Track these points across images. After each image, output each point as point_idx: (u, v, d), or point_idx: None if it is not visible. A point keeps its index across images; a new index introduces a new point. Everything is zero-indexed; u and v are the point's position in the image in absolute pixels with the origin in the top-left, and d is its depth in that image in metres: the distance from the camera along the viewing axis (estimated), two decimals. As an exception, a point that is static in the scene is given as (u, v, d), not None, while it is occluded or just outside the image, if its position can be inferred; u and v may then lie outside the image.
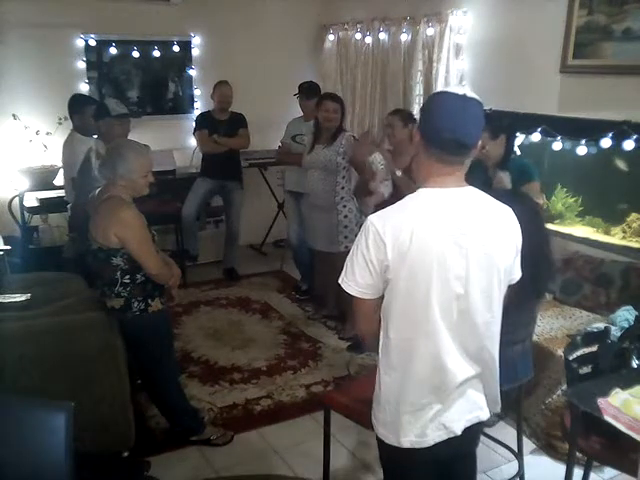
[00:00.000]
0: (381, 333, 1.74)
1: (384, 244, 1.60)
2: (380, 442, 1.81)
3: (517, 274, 1.79)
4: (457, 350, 1.68)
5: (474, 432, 1.84)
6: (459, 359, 1.68)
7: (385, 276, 1.64)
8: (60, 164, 4.89)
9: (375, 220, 1.63)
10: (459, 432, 1.74)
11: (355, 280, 1.68)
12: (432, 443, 1.72)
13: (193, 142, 5.44)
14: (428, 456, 1.75)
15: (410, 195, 1.68)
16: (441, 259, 1.60)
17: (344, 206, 4.10)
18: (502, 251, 1.68)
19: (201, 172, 5.27)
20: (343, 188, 4.09)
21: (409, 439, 1.71)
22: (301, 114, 4.83)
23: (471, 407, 1.76)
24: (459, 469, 1.94)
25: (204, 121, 5.14)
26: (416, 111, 4.74)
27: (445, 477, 1.89)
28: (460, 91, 1.61)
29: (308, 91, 4.68)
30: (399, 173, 3.71)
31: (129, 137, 3.63)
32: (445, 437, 1.73)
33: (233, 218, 5.39)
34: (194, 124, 5.21)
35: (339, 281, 1.72)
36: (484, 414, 1.80)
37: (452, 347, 1.67)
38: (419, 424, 1.71)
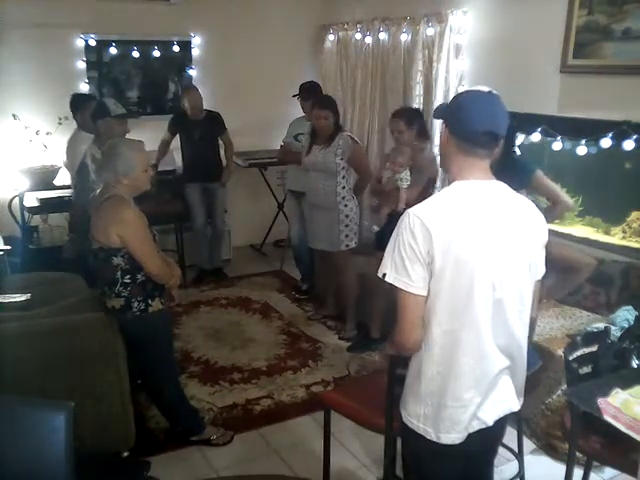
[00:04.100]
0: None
1: (430, 234, 1.61)
2: (414, 437, 1.80)
3: (542, 269, 1.84)
4: (493, 340, 1.71)
5: (503, 423, 1.87)
6: (495, 349, 1.72)
7: (430, 268, 1.64)
8: (60, 164, 4.91)
9: (418, 212, 1.66)
10: (491, 423, 1.78)
11: (408, 275, 1.64)
12: (466, 434, 1.74)
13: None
14: (461, 449, 1.76)
15: (446, 188, 1.73)
16: (482, 248, 1.65)
17: (345, 205, 4.09)
18: (531, 243, 1.75)
19: (185, 177, 5.22)
20: (344, 188, 4.08)
21: (450, 436, 1.74)
22: (302, 114, 4.83)
23: (503, 398, 1.80)
24: (481, 462, 1.97)
25: (178, 124, 5.09)
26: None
27: (467, 470, 1.90)
28: (484, 89, 1.71)
29: (307, 91, 4.68)
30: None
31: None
32: (477, 428, 1.75)
33: (218, 218, 5.35)
34: (167, 125, 5.12)
35: (386, 279, 1.68)
36: (515, 405, 1.85)
37: (490, 337, 1.70)
38: (462, 421, 1.73)
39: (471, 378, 1.71)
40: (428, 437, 1.76)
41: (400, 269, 1.65)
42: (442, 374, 1.71)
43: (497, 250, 1.67)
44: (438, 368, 1.72)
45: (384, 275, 1.69)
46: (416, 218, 1.64)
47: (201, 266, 5.41)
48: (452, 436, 1.74)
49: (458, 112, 1.70)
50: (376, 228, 3.97)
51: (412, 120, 3.87)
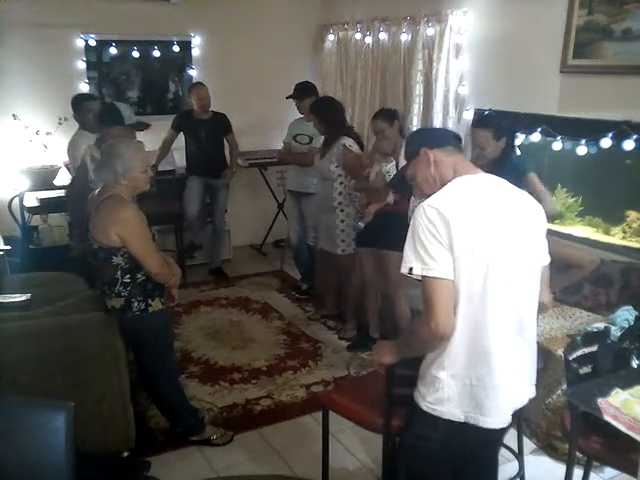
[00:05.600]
0: None
1: (447, 221, 1.67)
2: (430, 418, 1.81)
3: (547, 256, 1.90)
4: (507, 324, 1.76)
5: (516, 411, 1.89)
6: (510, 334, 1.78)
7: (450, 254, 1.69)
8: (60, 164, 4.91)
9: (433, 203, 1.72)
10: (509, 412, 1.83)
11: (436, 262, 1.67)
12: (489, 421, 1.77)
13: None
14: (478, 433, 1.79)
15: (449, 184, 1.81)
16: (494, 237, 1.72)
17: (342, 211, 4.18)
18: (534, 231, 1.85)
19: (188, 171, 5.26)
20: (340, 193, 4.15)
21: (472, 415, 1.77)
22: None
23: (517, 385, 1.84)
24: (488, 451, 2.00)
25: (183, 121, 5.10)
26: (416, 111, 4.75)
27: (472, 456, 1.93)
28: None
29: (301, 92, 4.69)
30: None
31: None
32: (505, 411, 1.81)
33: (218, 217, 5.38)
34: (172, 122, 5.14)
35: (413, 272, 1.70)
36: (531, 392, 1.89)
37: (505, 321, 1.76)
38: (479, 401, 1.76)
39: (492, 362, 1.75)
40: (445, 417, 1.78)
41: (426, 259, 1.68)
42: (464, 357, 1.75)
43: (508, 239, 1.74)
44: (461, 354, 1.75)
45: (410, 270, 1.71)
46: (432, 209, 1.69)
47: (191, 239, 5.53)
48: (475, 416, 1.77)
49: (429, 132, 2.26)
50: (362, 225, 3.93)
51: (392, 117, 3.80)
